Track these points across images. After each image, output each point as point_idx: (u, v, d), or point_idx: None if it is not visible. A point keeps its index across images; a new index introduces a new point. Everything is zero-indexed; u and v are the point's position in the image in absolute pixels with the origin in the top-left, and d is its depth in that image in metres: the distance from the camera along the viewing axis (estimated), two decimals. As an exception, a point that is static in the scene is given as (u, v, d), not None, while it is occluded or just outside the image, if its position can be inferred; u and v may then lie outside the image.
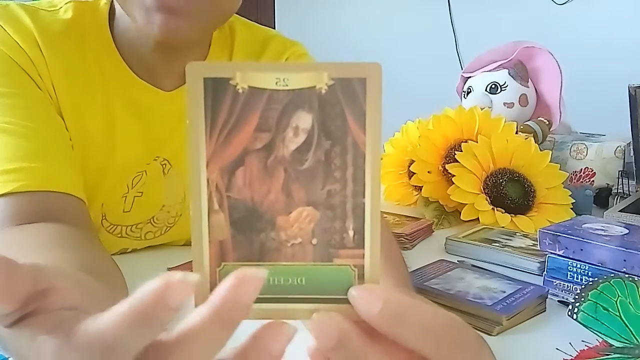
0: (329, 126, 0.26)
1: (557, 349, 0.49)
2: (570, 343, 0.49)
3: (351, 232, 0.27)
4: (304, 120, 0.26)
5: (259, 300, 0.27)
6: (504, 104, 1.14)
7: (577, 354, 0.48)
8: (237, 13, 0.75)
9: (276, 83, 0.26)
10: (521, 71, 1.16)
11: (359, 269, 0.27)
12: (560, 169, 0.96)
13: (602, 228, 0.63)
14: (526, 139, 0.98)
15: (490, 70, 1.18)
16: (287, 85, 0.26)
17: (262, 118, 0.26)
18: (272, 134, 0.26)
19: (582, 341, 0.49)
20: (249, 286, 0.23)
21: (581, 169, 1.04)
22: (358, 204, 0.27)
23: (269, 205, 0.27)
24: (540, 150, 0.98)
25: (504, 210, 0.91)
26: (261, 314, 0.27)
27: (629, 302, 0.50)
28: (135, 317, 0.23)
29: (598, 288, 0.51)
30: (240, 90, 0.26)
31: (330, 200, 0.27)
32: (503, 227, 0.87)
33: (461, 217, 0.91)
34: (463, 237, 0.80)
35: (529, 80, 1.17)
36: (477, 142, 0.95)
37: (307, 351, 0.27)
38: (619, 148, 1.02)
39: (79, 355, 0.24)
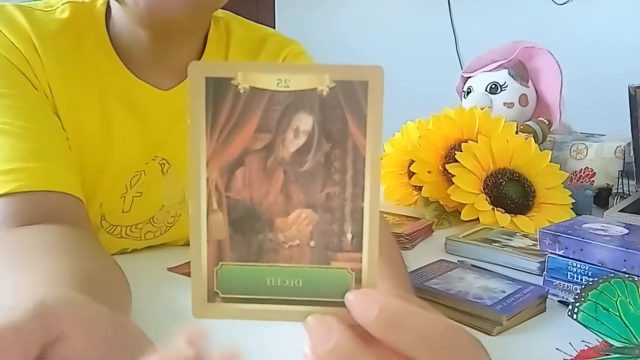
0: (329, 128, 0.26)
1: (557, 349, 0.49)
2: (570, 343, 0.49)
3: (349, 236, 0.27)
4: (304, 122, 0.26)
5: (255, 301, 0.27)
6: (504, 104, 1.14)
7: (577, 354, 0.48)
8: (236, 12, 0.75)
9: (277, 84, 0.26)
10: (521, 71, 1.15)
11: (357, 272, 0.27)
12: (560, 169, 0.96)
13: (602, 228, 0.63)
14: (526, 139, 0.98)
15: (490, 70, 1.18)
16: (288, 87, 0.26)
17: (263, 119, 0.26)
18: (273, 135, 0.26)
19: (582, 341, 0.49)
20: None
21: (581, 169, 1.04)
22: (357, 207, 0.27)
23: (268, 206, 0.27)
24: (540, 150, 0.98)
25: (504, 210, 0.91)
26: (257, 315, 0.27)
27: (629, 302, 0.50)
28: None
29: (598, 288, 0.51)
30: (242, 91, 0.26)
31: (329, 203, 0.27)
32: (503, 227, 0.87)
33: (461, 217, 0.91)
34: (463, 237, 0.80)
35: (529, 80, 1.17)
36: (477, 142, 0.95)
37: (302, 355, 0.26)
38: (619, 148, 1.02)
39: None
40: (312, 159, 0.27)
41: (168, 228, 0.74)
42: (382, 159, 1.11)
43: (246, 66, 0.26)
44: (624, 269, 0.57)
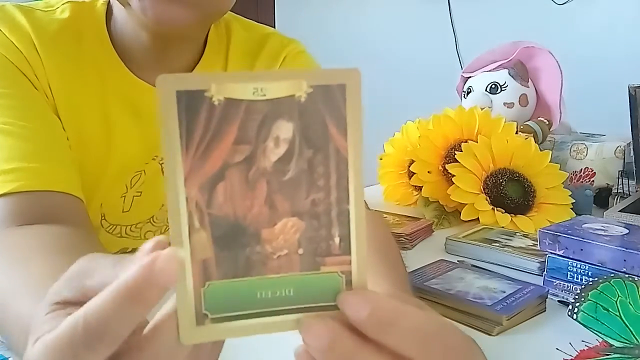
0: (310, 134, 0.26)
1: (557, 349, 0.49)
2: (570, 343, 0.49)
3: (337, 239, 0.27)
4: (284, 130, 0.26)
5: (247, 317, 0.26)
6: (504, 104, 1.14)
7: (577, 354, 0.48)
8: (236, 12, 0.75)
9: (253, 93, 0.25)
10: (521, 71, 1.15)
11: (347, 275, 0.27)
12: (560, 169, 0.96)
13: (602, 228, 0.63)
14: (526, 139, 0.98)
15: (490, 70, 1.18)
16: (265, 95, 0.25)
17: (241, 130, 0.25)
18: (252, 146, 0.26)
19: (582, 341, 0.49)
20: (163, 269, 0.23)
21: (581, 169, 1.04)
22: (343, 210, 0.26)
23: (253, 219, 0.26)
24: (540, 150, 0.98)
25: (504, 210, 0.91)
26: (250, 330, 0.27)
27: (629, 302, 0.50)
28: (122, 300, 0.23)
29: (598, 288, 0.51)
30: (216, 102, 0.25)
31: (315, 209, 0.26)
32: (503, 227, 0.87)
33: (461, 217, 0.91)
34: (463, 237, 0.80)
35: (529, 80, 1.17)
36: (477, 142, 0.95)
37: (294, 354, 0.26)
38: (619, 148, 1.02)
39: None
40: (295, 167, 0.26)
41: (168, 227, 0.73)
42: (381, 159, 1.11)
43: (220, 77, 0.25)
44: (624, 269, 0.57)
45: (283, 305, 0.27)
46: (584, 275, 0.60)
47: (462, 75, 1.26)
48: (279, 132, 0.26)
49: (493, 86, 1.15)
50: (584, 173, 1.04)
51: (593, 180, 1.03)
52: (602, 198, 1.01)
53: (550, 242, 0.62)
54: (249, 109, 0.25)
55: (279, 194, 0.26)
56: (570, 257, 0.61)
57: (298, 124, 0.26)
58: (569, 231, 0.62)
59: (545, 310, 0.59)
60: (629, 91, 0.95)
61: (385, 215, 0.93)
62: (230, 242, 0.26)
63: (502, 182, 0.93)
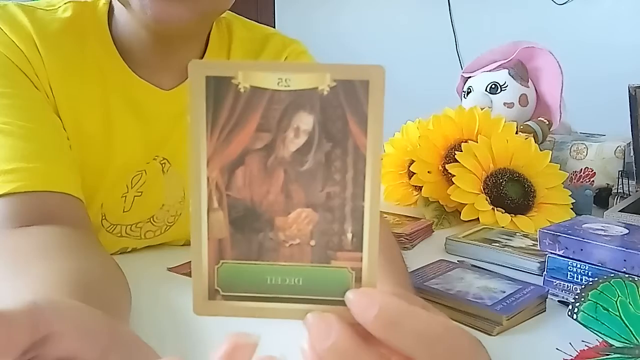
0: (330, 128, 0.26)
1: (557, 349, 0.49)
2: (570, 343, 0.49)
3: (349, 235, 0.27)
4: (305, 121, 0.26)
5: (255, 299, 0.27)
6: (504, 104, 1.14)
7: (577, 354, 0.48)
8: (236, 12, 0.75)
9: (278, 83, 0.26)
10: (521, 71, 1.15)
11: (357, 271, 0.27)
12: (560, 169, 0.96)
13: (602, 228, 0.63)
14: (526, 139, 0.98)
15: (490, 70, 1.18)
16: (289, 86, 0.26)
17: (263, 118, 0.26)
18: (273, 135, 0.26)
19: (582, 341, 0.49)
20: (242, 353, 0.24)
21: (581, 169, 1.04)
22: (357, 207, 0.27)
23: (268, 206, 0.27)
24: (540, 150, 0.98)
25: (504, 210, 0.91)
26: (257, 313, 0.27)
27: (629, 302, 0.50)
28: None
29: (598, 288, 0.51)
30: (242, 90, 0.26)
31: (330, 202, 0.27)
32: (503, 227, 0.87)
33: (461, 217, 0.91)
34: (463, 237, 0.80)
35: (529, 80, 1.17)
36: (477, 142, 0.95)
37: (300, 351, 0.26)
38: (619, 148, 1.02)
39: None
40: (313, 159, 0.27)
41: (168, 227, 0.74)
42: (382, 159, 1.10)
43: (247, 65, 0.26)
44: (624, 269, 0.57)
45: (291, 293, 0.27)
46: (584, 275, 0.60)
47: (462, 75, 1.26)
48: (299, 123, 0.26)
49: (493, 86, 1.15)
50: (584, 173, 1.04)
51: (593, 180, 1.03)
52: (602, 198, 1.01)
53: (550, 242, 0.62)
54: (273, 98, 0.26)
55: (295, 183, 0.27)
56: (570, 257, 0.61)
57: (319, 117, 0.26)
58: (569, 231, 0.62)
59: (545, 310, 0.59)
60: (629, 91, 0.95)
61: (385, 215, 0.93)
62: (245, 226, 0.27)
63: (502, 182, 0.93)
